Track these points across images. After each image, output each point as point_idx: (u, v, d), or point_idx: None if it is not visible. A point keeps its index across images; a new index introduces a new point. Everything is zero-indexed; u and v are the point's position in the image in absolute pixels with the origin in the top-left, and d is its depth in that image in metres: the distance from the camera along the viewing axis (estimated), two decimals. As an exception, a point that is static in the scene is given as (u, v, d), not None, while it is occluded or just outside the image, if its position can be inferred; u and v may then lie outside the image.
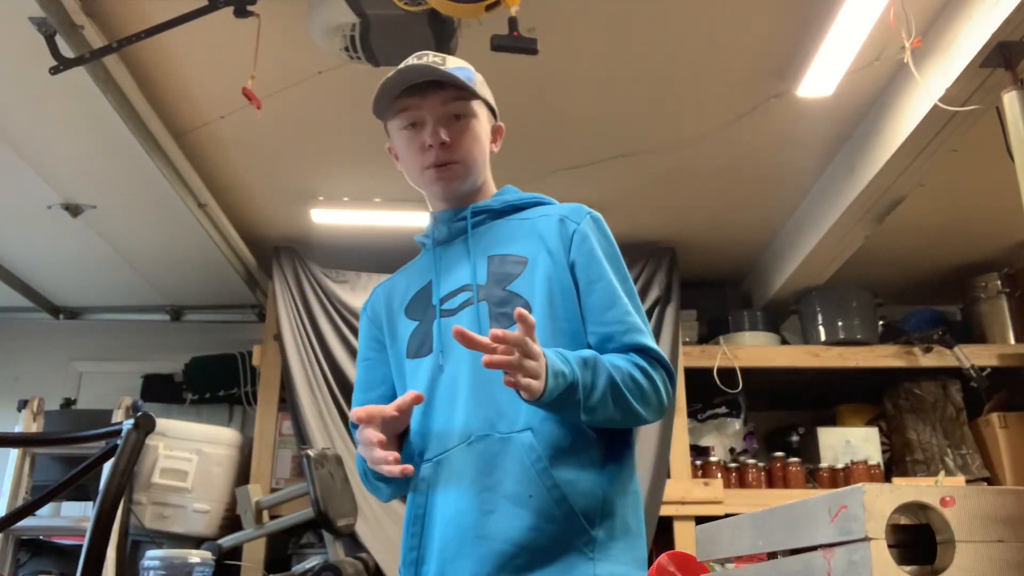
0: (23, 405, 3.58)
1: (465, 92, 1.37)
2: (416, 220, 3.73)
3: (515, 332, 1.10)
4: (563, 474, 1.21)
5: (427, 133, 1.36)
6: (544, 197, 1.46)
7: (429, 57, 1.38)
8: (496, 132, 1.47)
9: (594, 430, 1.26)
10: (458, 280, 1.37)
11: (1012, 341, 4.00)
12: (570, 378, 1.16)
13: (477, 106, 1.40)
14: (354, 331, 3.91)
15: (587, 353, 1.23)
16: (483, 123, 1.41)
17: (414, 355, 1.36)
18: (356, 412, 1.24)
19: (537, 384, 1.12)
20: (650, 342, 1.29)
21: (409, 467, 1.21)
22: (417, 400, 1.25)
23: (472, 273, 1.35)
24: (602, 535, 1.21)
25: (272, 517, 3.46)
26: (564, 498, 1.19)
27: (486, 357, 1.09)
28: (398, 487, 1.36)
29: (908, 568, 0.71)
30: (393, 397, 1.38)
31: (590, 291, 1.32)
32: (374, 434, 1.23)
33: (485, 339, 1.10)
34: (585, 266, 1.33)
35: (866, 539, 0.70)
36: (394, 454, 1.22)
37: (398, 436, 1.31)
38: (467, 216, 1.40)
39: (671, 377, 1.30)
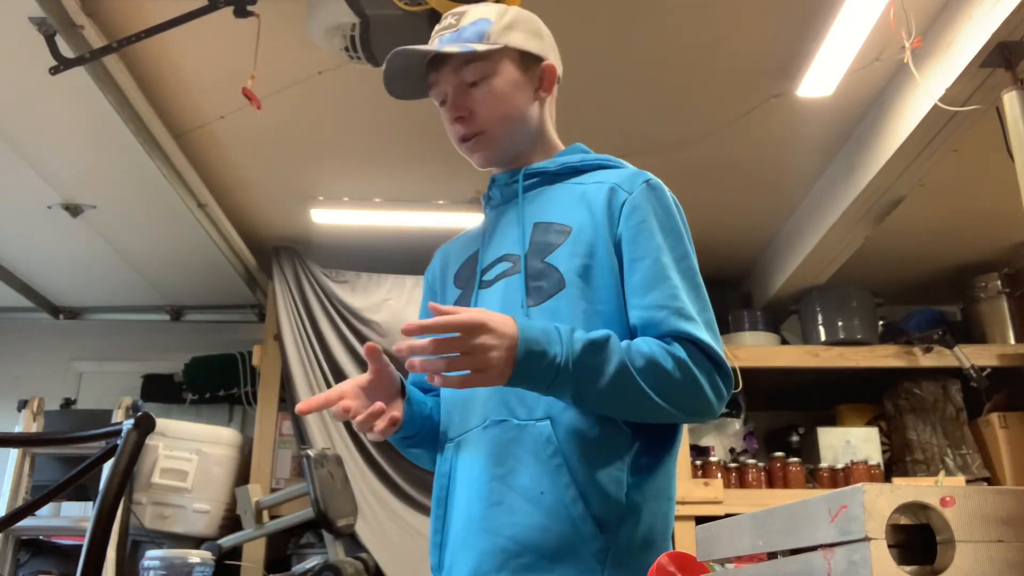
0: (23, 405, 3.58)
1: (474, 54, 1.25)
2: (416, 220, 3.73)
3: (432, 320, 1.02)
4: (582, 472, 1.10)
5: (448, 108, 1.29)
6: (612, 159, 1.32)
7: (447, 20, 1.30)
8: (543, 74, 1.30)
9: (627, 423, 1.14)
10: (501, 248, 1.28)
11: (1012, 341, 4.00)
12: (551, 358, 1.06)
13: (496, 62, 1.26)
14: (354, 331, 3.92)
15: (597, 334, 1.10)
16: (507, 77, 1.27)
17: None
18: (336, 410, 1.14)
19: (488, 376, 1.04)
20: (697, 331, 1.12)
21: (396, 415, 1.16)
22: (370, 352, 1.17)
23: (517, 241, 1.25)
24: (620, 544, 1.09)
25: (272, 517, 3.46)
26: (579, 498, 1.09)
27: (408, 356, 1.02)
28: (429, 448, 1.29)
29: (908, 568, 0.71)
30: None
31: (634, 269, 1.17)
32: (342, 405, 1.14)
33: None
34: (631, 241, 1.18)
35: (866, 539, 0.70)
36: (375, 410, 1.13)
37: (399, 389, 1.24)
38: (519, 179, 1.30)
39: (723, 373, 1.13)
